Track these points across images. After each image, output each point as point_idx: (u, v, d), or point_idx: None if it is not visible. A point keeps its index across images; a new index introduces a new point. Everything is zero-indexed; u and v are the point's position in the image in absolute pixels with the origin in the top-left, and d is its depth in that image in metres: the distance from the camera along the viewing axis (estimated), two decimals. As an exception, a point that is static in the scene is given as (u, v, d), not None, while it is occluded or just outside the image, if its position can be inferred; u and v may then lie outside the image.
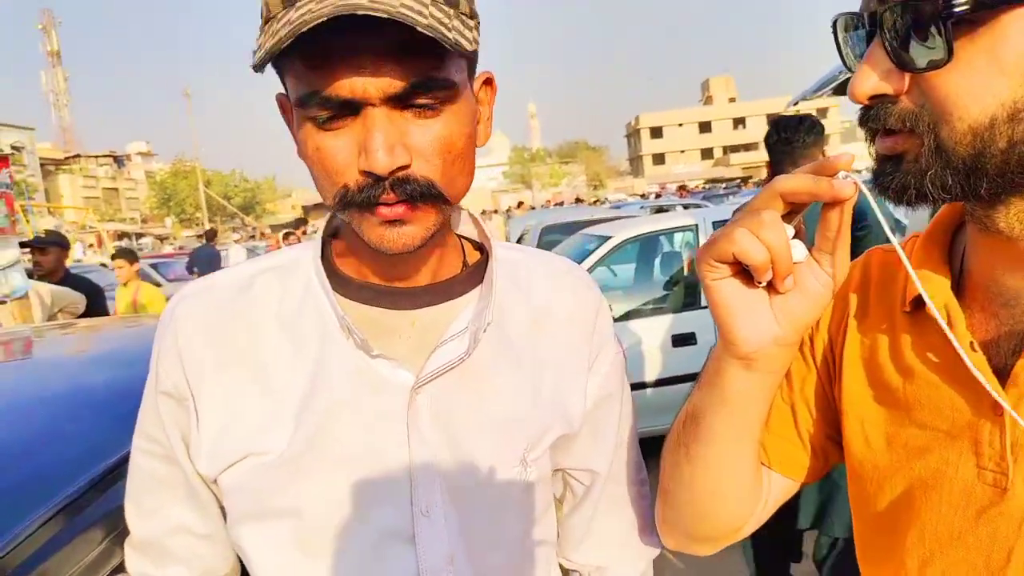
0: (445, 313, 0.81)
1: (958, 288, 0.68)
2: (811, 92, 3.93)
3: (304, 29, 0.60)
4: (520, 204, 22.57)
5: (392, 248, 0.70)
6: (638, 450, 0.97)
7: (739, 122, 75.70)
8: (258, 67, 0.65)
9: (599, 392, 0.90)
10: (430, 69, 0.66)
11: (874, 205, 0.62)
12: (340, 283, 0.80)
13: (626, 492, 0.95)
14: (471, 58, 0.72)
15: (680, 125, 76.57)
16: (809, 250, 0.64)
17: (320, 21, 0.59)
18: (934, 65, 0.55)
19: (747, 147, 74.34)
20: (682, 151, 75.85)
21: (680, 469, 0.77)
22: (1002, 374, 0.61)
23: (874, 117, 0.60)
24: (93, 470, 0.96)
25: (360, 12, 0.60)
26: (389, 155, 0.66)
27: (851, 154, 0.60)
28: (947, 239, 0.72)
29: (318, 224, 0.88)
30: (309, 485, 0.74)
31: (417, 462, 0.76)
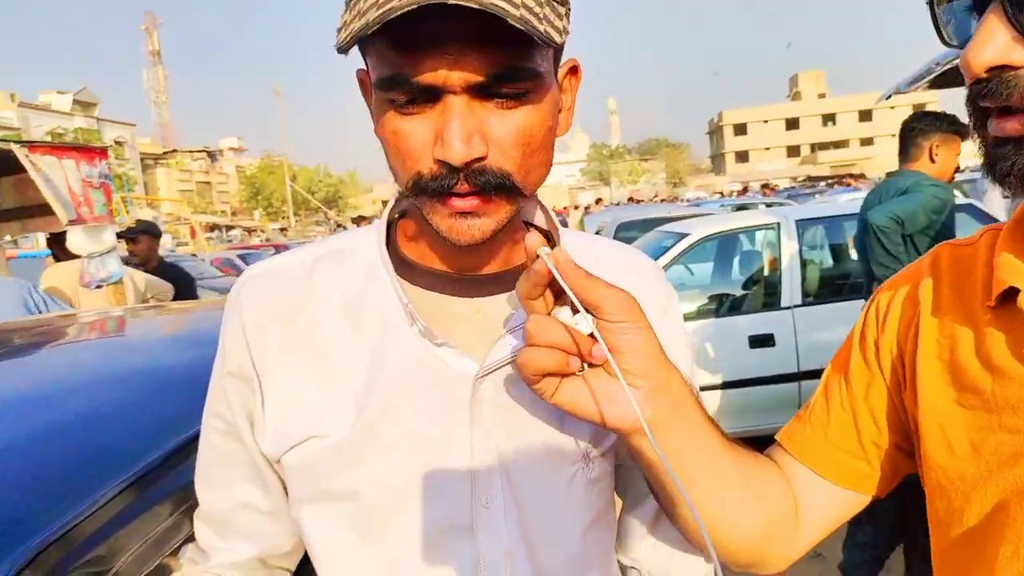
0: (511, 302, 0.79)
1: None
2: (905, 85, 3.72)
3: (394, 15, 0.59)
4: (599, 201, 22.39)
5: (461, 240, 0.69)
6: None
7: (828, 118, 72.91)
8: (343, 49, 0.64)
9: None
10: (515, 59, 0.65)
11: (559, 278, 0.61)
12: (404, 268, 0.79)
13: None
14: (559, 47, 0.70)
15: (766, 122, 74.39)
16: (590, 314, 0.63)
17: (411, 8, 0.58)
18: None
19: (837, 144, 71.55)
20: (767, 148, 73.67)
21: (680, 526, 0.77)
22: None
23: (992, 92, 0.53)
24: (167, 445, 0.99)
25: (452, 1, 0.58)
26: (465, 146, 0.64)
27: (537, 235, 0.61)
28: None
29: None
30: (368, 470, 0.74)
31: (479, 452, 0.75)
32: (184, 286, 5.07)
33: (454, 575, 0.76)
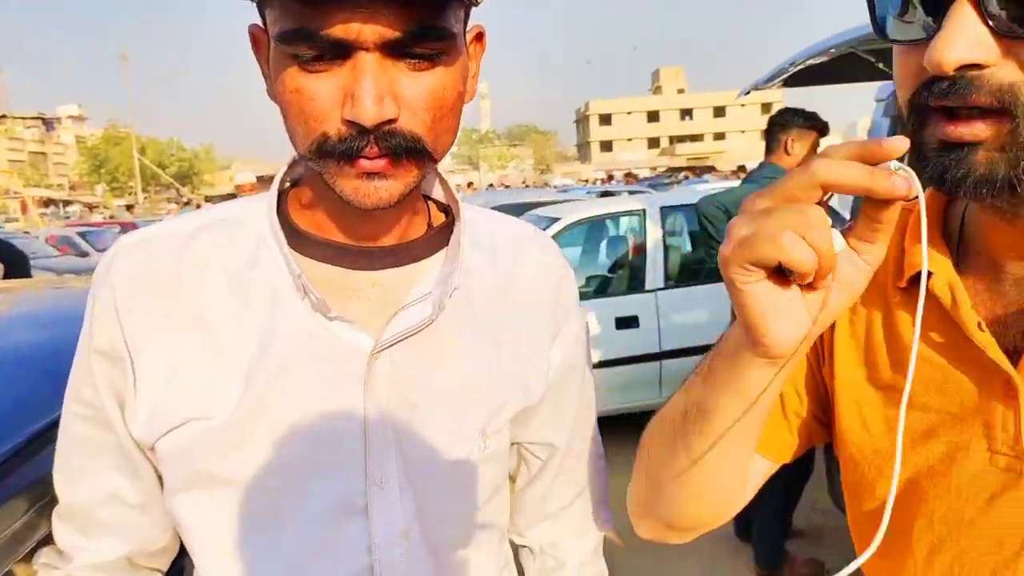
0: (408, 276, 0.77)
1: (962, 266, 0.64)
2: (763, 82, 3.98)
3: None
4: (470, 185, 22.42)
5: (366, 203, 0.66)
6: (596, 426, 0.95)
7: (686, 113, 76.84)
8: None
9: (562, 363, 0.88)
10: (431, 17, 0.62)
11: (924, 217, 0.50)
12: (297, 239, 0.75)
13: (583, 467, 0.93)
14: (468, 7, 0.69)
15: (629, 113, 77.30)
16: (843, 234, 0.54)
17: None
18: None
19: (693, 138, 75.57)
20: (629, 139, 76.63)
21: (676, 463, 0.69)
22: (1012, 355, 0.58)
23: (952, 91, 0.50)
24: (17, 435, 0.90)
25: None
26: (378, 106, 0.61)
27: (905, 139, 0.49)
28: (941, 212, 0.68)
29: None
30: (254, 451, 0.71)
31: (373, 430, 0.73)
32: (15, 265, 4.58)
33: (345, 558, 0.74)
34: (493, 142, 74.82)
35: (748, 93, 4.04)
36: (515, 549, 0.96)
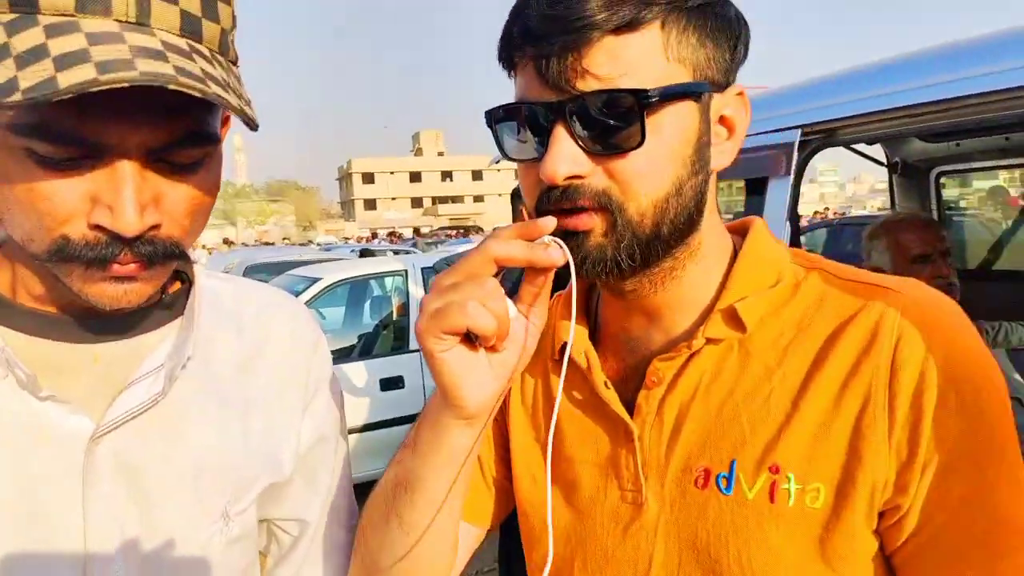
0: (136, 348, 0.71)
1: (594, 338, 0.78)
2: (511, 152, 4.29)
3: (95, 89, 0.49)
4: (227, 241, 21.10)
5: (113, 305, 0.61)
6: (352, 496, 0.93)
7: (447, 175, 79.73)
8: (12, 104, 0.50)
9: (314, 435, 0.85)
10: (196, 124, 0.60)
11: (573, 276, 0.64)
12: (1, 309, 0.66)
13: (337, 541, 0.90)
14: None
15: (392, 173, 78.40)
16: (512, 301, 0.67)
17: (122, 85, 0.49)
18: (628, 149, 0.61)
19: (454, 199, 78.48)
20: (393, 198, 77.57)
21: (391, 539, 0.74)
22: (629, 407, 0.71)
23: (568, 196, 0.63)
24: None
25: (172, 87, 0.51)
26: (140, 217, 0.57)
27: (552, 218, 0.62)
28: (584, 296, 0.81)
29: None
30: None
31: (94, 529, 0.65)
32: None
33: None
34: (251, 196, 71.37)
35: (499, 161, 4.32)
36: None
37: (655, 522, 0.69)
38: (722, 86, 0.66)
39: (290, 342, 0.84)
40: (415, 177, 79.07)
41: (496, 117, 0.68)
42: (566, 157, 0.61)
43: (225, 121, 0.72)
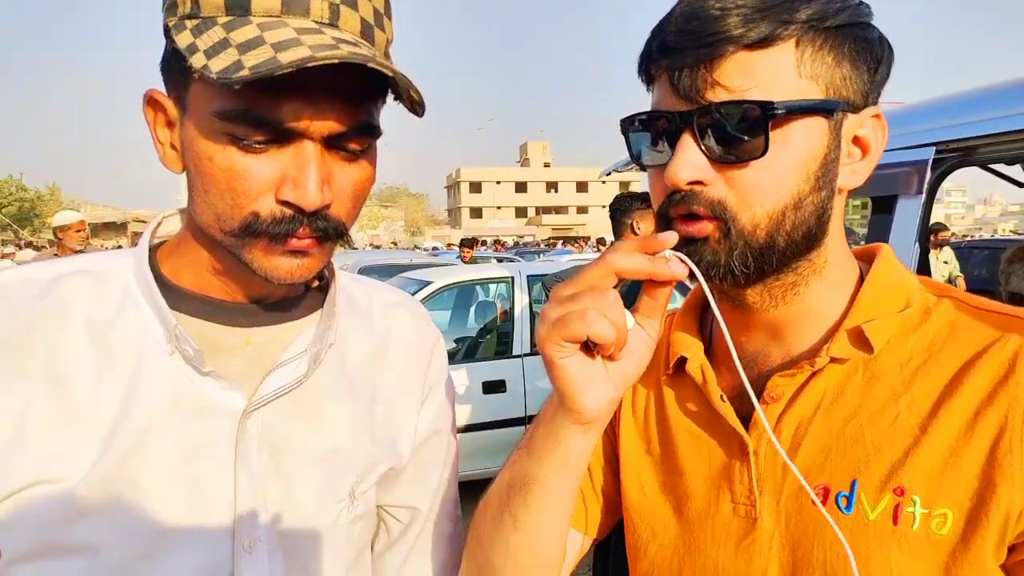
0: (283, 334, 0.77)
1: (709, 352, 0.79)
2: (622, 165, 4.27)
3: (312, 64, 0.58)
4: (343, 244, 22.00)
5: (287, 279, 0.69)
6: (457, 490, 0.97)
7: (552, 186, 80.00)
8: (231, 81, 0.58)
9: (429, 428, 0.89)
10: (367, 115, 0.68)
11: (705, 286, 0.66)
12: (169, 293, 0.74)
13: (443, 531, 0.94)
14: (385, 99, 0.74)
15: (498, 183, 79.45)
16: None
17: (332, 62, 0.59)
18: (749, 159, 0.63)
19: (558, 210, 78.62)
20: (499, 207, 78.56)
21: (503, 537, 0.75)
22: (745, 421, 0.72)
23: (686, 202, 0.66)
24: None
25: (371, 65, 0.60)
26: (320, 192, 0.65)
27: (675, 233, 0.65)
28: (698, 312, 0.83)
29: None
30: (111, 518, 0.67)
31: (242, 494, 0.71)
32: None
33: None
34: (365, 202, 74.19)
35: (609, 174, 4.31)
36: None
37: (769, 538, 0.69)
38: (858, 107, 0.67)
39: (413, 339, 0.90)
40: (520, 187, 79.82)
41: (630, 125, 0.71)
42: (689, 163, 0.64)
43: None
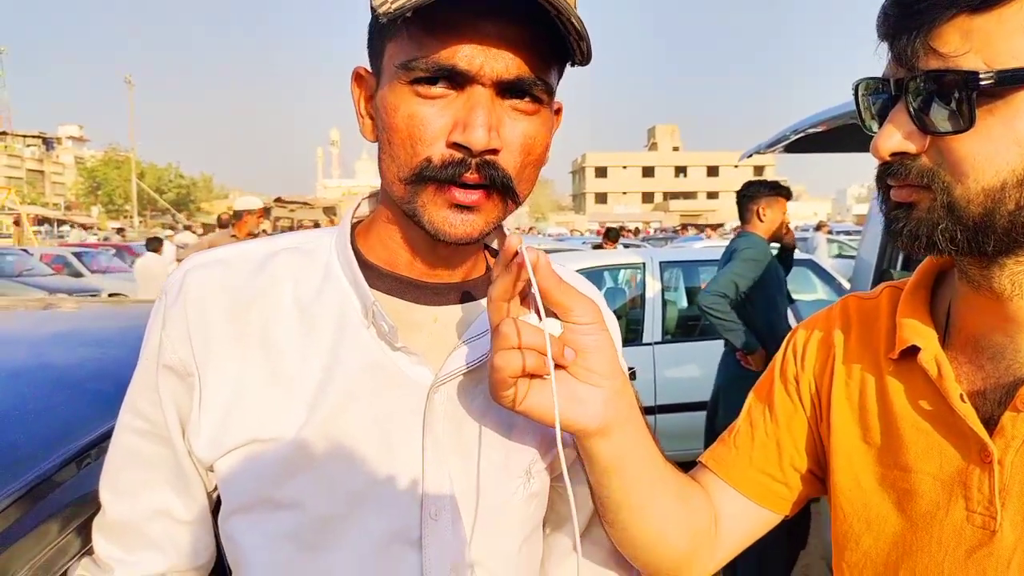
0: (468, 313, 0.80)
1: (944, 340, 0.73)
2: (765, 147, 4.08)
3: None
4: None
5: (452, 234, 0.70)
6: None
7: (680, 170, 78.00)
8: (392, 18, 0.63)
9: None
10: (540, 69, 0.69)
11: (530, 269, 0.62)
12: (365, 271, 0.78)
13: None
14: (561, 73, 0.74)
15: (624, 167, 78.38)
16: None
17: None
18: (956, 130, 0.60)
19: (687, 195, 76.57)
20: (624, 193, 77.53)
21: (619, 536, 0.80)
22: (989, 424, 0.66)
23: (894, 172, 0.65)
24: (59, 452, 0.91)
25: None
26: (488, 134, 0.67)
27: (518, 235, 0.65)
28: (929, 292, 0.77)
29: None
30: (315, 477, 0.72)
31: (430, 463, 0.74)
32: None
33: None
34: (490, 187, 75.44)
35: (750, 156, 4.14)
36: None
37: (1010, 553, 0.64)
38: None
39: None
40: (648, 172, 78.36)
41: (858, 90, 0.70)
42: (895, 133, 0.64)
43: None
